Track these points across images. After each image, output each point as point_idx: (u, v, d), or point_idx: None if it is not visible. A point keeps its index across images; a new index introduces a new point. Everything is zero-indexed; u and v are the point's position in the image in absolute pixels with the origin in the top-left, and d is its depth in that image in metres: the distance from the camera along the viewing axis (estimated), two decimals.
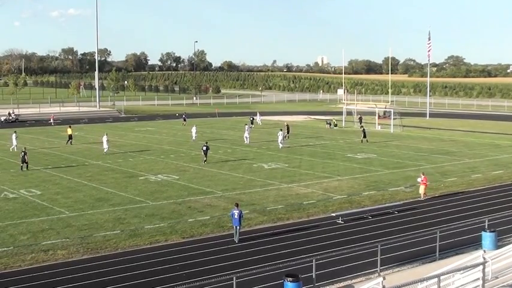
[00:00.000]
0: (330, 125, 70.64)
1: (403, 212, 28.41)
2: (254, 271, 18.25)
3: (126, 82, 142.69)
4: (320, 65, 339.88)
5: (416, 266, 20.41)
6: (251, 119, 70.33)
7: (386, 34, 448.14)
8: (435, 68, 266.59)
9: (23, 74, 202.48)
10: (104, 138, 47.61)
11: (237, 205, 24.01)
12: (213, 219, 26.57)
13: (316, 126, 71.25)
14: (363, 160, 43.98)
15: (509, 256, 17.97)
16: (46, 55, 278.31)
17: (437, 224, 25.59)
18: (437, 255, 21.04)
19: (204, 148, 42.17)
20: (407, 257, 21.44)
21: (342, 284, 18.75)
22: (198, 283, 17.85)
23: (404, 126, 68.96)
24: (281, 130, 53.01)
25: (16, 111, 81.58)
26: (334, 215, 27.20)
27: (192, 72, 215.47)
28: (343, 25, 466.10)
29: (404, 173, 38.60)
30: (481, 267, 15.81)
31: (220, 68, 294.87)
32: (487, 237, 21.18)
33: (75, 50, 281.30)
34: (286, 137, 55.58)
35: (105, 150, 46.99)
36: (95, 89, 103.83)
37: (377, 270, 19.43)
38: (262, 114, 78.96)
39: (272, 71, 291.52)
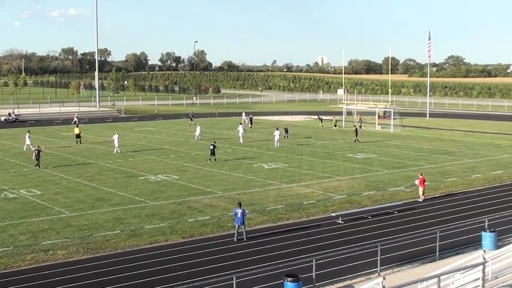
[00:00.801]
0: (322, 121, 71.32)
1: (403, 212, 28.40)
2: (254, 271, 18.24)
3: (126, 82, 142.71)
4: (320, 65, 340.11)
5: (416, 266, 20.40)
6: (250, 118, 70.64)
7: (386, 34, 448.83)
8: (435, 68, 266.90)
9: (23, 74, 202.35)
10: (115, 137, 48.10)
11: (239, 204, 24.06)
12: (213, 219, 26.56)
13: (316, 126, 71.24)
14: (363, 160, 43.98)
15: (509, 256, 17.97)
16: (46, 55, 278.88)
17: (437, 224, 25.60)
18: (437, 255, 21.03)
19: (212, 147, 42.62)
20: (407, 257, 21.44)
21: (342, 284, 18.74)
22: (198, 283, 17.86)
23: (404, 126, 68.97)
24: (277, 129, 52.85)
25: (16, 111, 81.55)
26: (334, 215, 27.20)
27: (192, 72, 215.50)
28: (343, 25, 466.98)
29: (404, 173, 38.60)
30: (481, 267, 15.81)
31: (220, 68, 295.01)
32: (487, 237, 21.17)
33: (75, 50, 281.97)
34: (286, 137, 55.59)
35: (116, 151, 47.45)
36: (95, 89, 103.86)
37: (377, 270, 19.43)
38: (262, 114, 78.94)
39: (272, 71, 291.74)
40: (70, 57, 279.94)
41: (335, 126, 69.67)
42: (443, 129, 67.62)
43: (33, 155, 40.60)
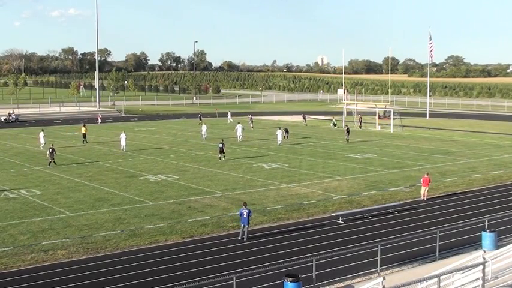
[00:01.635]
0: (305, 119, 72.84)
1: (403, 212, 28.40)
2: (254, 271, 18.24)
3: (126, 82, 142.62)
4: (320, 65, 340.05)
5: (416, 266, 20.39)
6: (250, 118, 70.66)
7: (386, 34, 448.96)
8: (435, 68, 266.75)
9: (23, 74, 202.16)
10: (122, 136, 48.64)
11: (245, 204, 24.11)
12: (213, 219, 26.56)
13: (316, 126, 71.24)
14: (363, 160, 43.98)
15: (509, 256, 17.97)
16: (46, 55, 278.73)
17: (437, 224, 25.60)
18: (437, 255, 21.03)
19: (220, 145, 43.61)
20: (407, 257, 21.44)
21: (342, 284, 18.74)
22: (198, 283, 17.85)
23: (404, 126, 68.97)
24: (280, 128, 53.59)
25: (16, 111, 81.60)
26: (334, 215, 27.20)
27: (192, 72, 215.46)
28: (343, 25, 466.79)
29: (404, 173, 38.60)
30: (481, 267, 15.81)
31: (220, 68, 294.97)
32: (487, 237, 21.16)
33: (75, 50, 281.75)
34: (286, 137, 55.63)
35: (123, 148, 48.06)
36: (95, 89, 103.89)
37: (377, 270, 19.42)
38: (262, 114, 78.95)
39: (272, 71, 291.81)
40: (70, 57, 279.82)
41: (334, 125, 69.72)
42: (443, 129, 67.62)
43: (48, 152, 41.52)
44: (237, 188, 33.49)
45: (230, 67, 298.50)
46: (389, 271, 19.84)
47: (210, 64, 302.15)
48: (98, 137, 59.07)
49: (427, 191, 31.06)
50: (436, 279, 15.17)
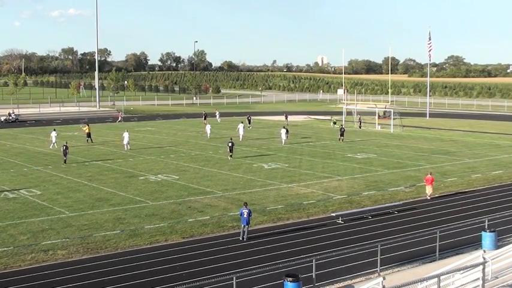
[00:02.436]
0: (287, 118, 73.39)
1: (403, 212, 28.40)
2: (254, 271, 18.25)
3: (126, 82, 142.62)
4: (320, 65, 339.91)
5: (416, 266, 20.39)
6: (248, 118, 70.76)
7: (386, 34, 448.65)
8: (435, 68, 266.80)
9: (23, 74, 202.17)
10: (126, 135, 49.35)
11: (245, 204, 24.10)
12: (213, 219, 26.56)
13: (316, 126, 71.24)
14: (363, 160, 43.98)
15: (509, 256, 17.97)
16: (46, 55, 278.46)
17: (437, 224, 25.60)
18: (437, 255, 21.03)
19: (230, 144, 44.08)
20: (407, 257, 21.44)
21: (342, 284, 18.74)
22: (198, 283, 17.86)
23: (404, 126, 68.97)
24: (283, 128, 54.38)
25: (16, 111, 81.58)
26: (334, 215, 27.19)
27: (192, 72, 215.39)
28: (343, 25, 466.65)
29: (404, 173, 38.60)
30: (481, 267, 15.81)
31: (220, 68, 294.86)
32: (487, 237, 21.16)
33: (75, 50, 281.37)
34: (286, 137, 55.63)
35: (126, 147, 48.68)
36: (95, 89, 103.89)
37: (377, 270, 19.43)
38: (262, 114, 78.97)
39: (272, 71, 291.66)
40: (70, 57, 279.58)
41: (334, 123, 69.74)
42: (443, 129, 67.62)
43: (62, 150, 42.71)
44: (237, 188, 33.50)
45: (230, 67, 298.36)
46: (389, 271, 19.84)
47: (210, 64, 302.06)
48: (98, 137, 59.03)
49: (430, 189, 31.13)
50: (436, 279, 15.17)
